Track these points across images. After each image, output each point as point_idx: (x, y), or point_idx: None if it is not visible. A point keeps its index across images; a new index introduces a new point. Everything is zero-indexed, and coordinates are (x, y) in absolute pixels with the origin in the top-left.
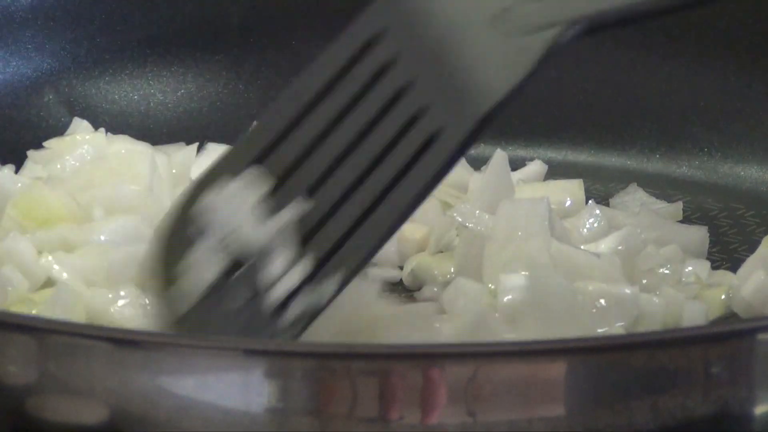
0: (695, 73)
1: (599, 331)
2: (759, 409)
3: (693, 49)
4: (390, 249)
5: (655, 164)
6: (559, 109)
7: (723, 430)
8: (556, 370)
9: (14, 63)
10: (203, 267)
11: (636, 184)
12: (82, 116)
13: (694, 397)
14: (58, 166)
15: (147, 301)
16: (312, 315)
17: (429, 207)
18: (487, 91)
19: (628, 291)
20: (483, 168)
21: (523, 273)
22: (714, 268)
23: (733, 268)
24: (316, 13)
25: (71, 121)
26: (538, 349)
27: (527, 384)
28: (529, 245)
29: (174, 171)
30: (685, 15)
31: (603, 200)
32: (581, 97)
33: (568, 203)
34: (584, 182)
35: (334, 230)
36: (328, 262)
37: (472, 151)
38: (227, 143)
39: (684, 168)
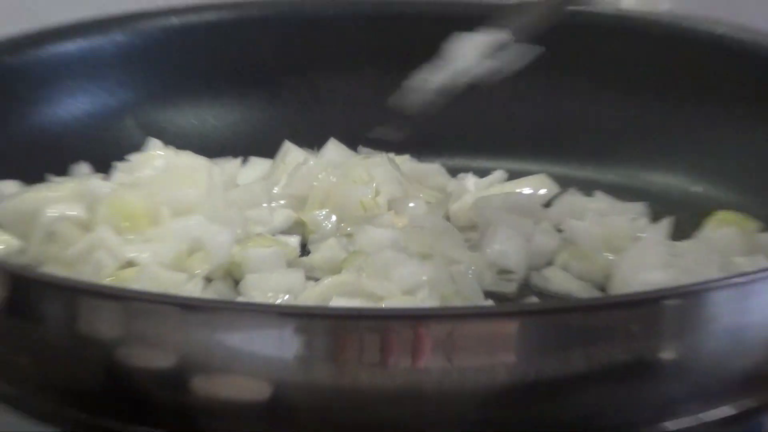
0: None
1: None
2: (664, 355)
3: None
4: None
5: (615, 174)
6: (516, 128)
7: (638, 373)
8: (512, 327)
9: (102, 95)
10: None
11: (601, 191)
12: (155, 136)
13: (617, 348)
14: (138, 175)
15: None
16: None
17: (418, 206)
18: None
19: None
20: (459, 176)
21: None
22: None
23: None
24: (333, 56)
25: (146, 140)
26: (498, 312)
27: (490, 338)
28: None
29: (225, 179)
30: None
31: None
32: (534, 117)
33: (542, 191)
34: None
35: None
36: None
37: (450, 162)
38: (265, 156)
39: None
